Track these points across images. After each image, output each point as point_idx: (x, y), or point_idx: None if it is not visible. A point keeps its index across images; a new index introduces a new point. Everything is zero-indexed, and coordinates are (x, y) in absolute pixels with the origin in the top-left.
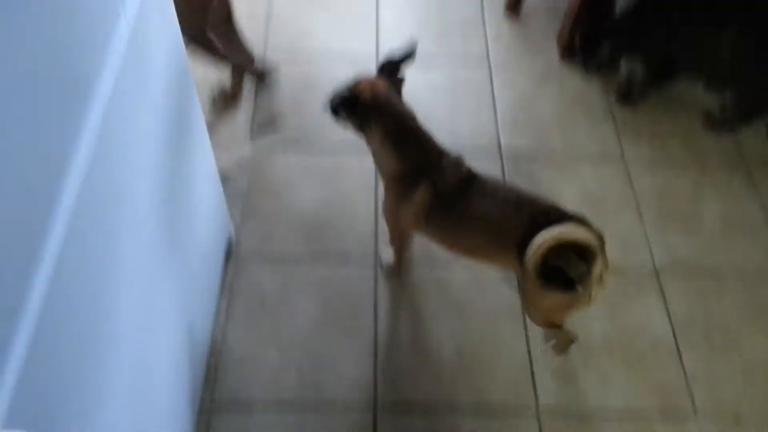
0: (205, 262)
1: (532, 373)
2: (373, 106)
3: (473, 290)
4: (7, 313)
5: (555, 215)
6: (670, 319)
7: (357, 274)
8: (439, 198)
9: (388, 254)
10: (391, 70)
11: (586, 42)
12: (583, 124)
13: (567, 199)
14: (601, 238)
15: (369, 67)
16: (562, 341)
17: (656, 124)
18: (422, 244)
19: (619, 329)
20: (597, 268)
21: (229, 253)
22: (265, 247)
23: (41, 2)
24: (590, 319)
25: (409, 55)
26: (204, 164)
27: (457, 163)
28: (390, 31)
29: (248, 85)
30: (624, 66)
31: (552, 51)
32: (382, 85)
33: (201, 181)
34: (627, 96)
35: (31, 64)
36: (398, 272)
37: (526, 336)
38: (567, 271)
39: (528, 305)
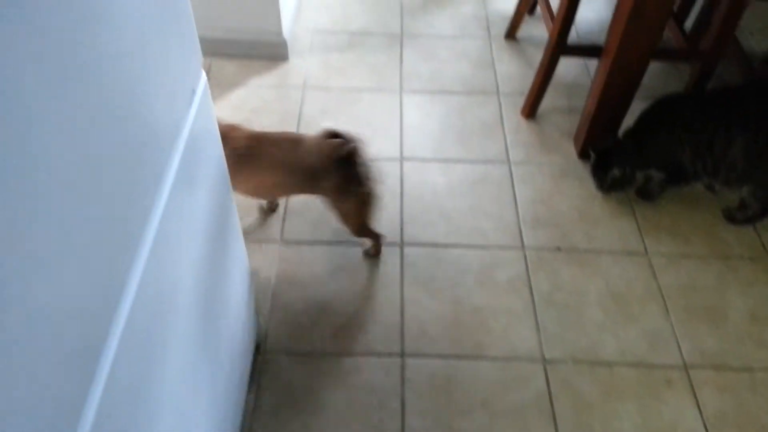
0: (237, 357)
1: None
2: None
3: (499, 386)
4: (69, 411)
5: (340, 136)
6: (702, 415)
7: (383, 366)
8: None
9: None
10: None
11: (598, 167)
12: (604, 220)
13: (592, 294)
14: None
15: (393, 169)
16: (375, 245)
17: (677, 219)
18: (449, 330)
19: (651, 428)
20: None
21: (258, 347)
22: (292, 340)
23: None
24: (620, 418)
25: None
26: (238, 264)
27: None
28: (413, 130)
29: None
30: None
31: (569, 149)
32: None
33: (235, 280)
34: (646, 193)
35: (107, 155)
36: None
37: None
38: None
39: (345, 219)
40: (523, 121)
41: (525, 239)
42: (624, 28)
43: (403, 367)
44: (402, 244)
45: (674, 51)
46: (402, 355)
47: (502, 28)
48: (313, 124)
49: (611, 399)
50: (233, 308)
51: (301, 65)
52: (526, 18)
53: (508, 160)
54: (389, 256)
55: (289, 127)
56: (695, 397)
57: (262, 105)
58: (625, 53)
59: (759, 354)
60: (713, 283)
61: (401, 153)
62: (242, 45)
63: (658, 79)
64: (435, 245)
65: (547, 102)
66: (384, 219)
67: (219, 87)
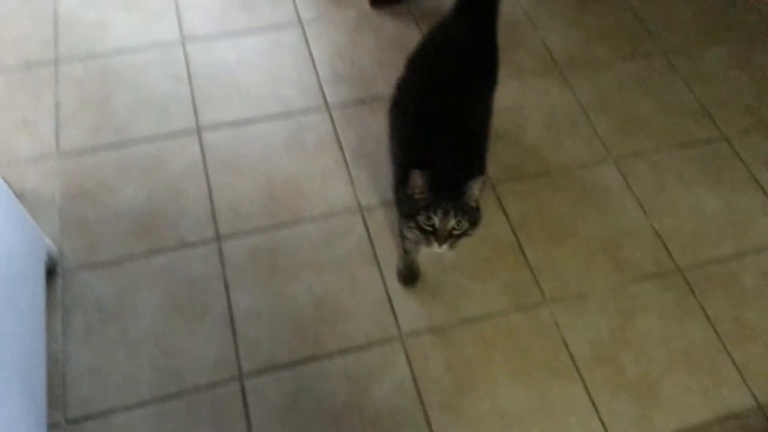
0: (18, 285)
1: (392, 306)
2: None
3: (322, 243)
4: None
5: None
6: (509, 221)
7: (199, 255)
8: None
9: None
10: None
11: None
12: (402, 65)
13: None
14: None
15: (176, 53)
16: None
17: None
18: (264, 204)
19: (465, 241)
20: None
21: (53, 270)
22: (93, 254)
23: None
24: None
25: None
26: None
27: None
28: (192, 9)
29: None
30: None
31: (362, 1)
32: None
33: None
34: None
35: None
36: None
37: (381, 273)
38: None
39: None
40: None
41: (328, 98)
42: None
43: (220, 251)
44: (199, 130)
45: None
46: (218, 239)
47: None
48: (74, 20)
49: None
50: None
51: None
52: None
53: (300, 21)
54: (187, 145)
55: (44, 30)
56: (502, 207)
57: None
58: None
59: (555, 156)
60: (511, 102)
61: (181, 33)
62: None
63: None
64: (236, 124)
65: None
66: (173, 107)
67: None
